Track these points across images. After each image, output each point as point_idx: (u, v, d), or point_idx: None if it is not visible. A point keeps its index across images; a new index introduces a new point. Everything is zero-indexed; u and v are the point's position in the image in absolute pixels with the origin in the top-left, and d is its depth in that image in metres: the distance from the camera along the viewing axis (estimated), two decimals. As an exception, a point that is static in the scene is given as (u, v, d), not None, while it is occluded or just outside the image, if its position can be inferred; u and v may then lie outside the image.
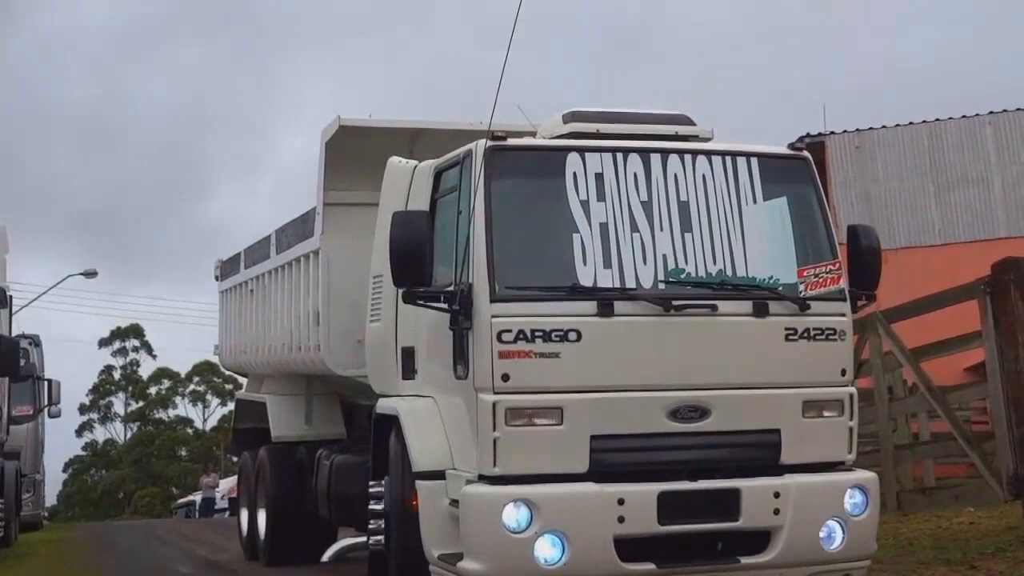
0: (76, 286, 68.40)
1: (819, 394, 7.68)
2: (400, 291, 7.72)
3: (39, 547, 19.19)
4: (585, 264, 7.40)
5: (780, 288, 7.69)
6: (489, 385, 7.21)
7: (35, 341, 23.78)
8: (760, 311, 7.56)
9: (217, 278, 15.18)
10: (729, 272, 7.64)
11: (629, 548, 7.16)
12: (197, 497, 39.61)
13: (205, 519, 32.88)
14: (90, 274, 39.66)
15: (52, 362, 25.91)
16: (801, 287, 7.66)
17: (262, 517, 12.43)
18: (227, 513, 31.40)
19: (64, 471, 69.50)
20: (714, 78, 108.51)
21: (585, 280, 7.38)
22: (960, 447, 11.70)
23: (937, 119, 23.18)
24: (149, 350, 74.64)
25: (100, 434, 74.00)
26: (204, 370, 72.22)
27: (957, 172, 22.57)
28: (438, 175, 8.25)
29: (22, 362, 17.89)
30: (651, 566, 7.20)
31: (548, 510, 7.09)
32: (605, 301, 7.34)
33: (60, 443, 55.15)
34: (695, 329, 7.49)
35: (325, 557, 10.33)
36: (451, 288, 7.47)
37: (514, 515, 7.05)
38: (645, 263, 7.50)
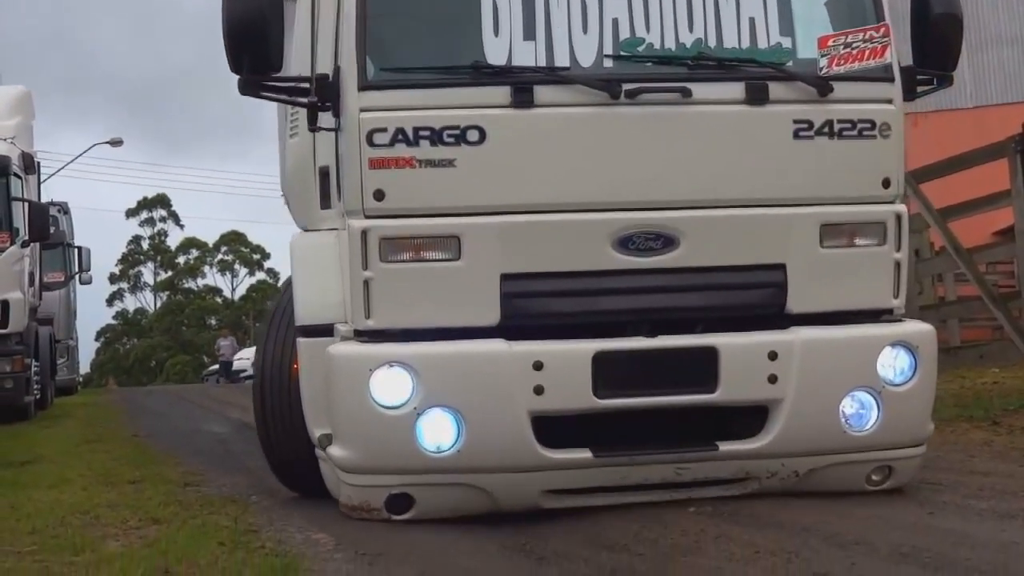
0: (103, 155, 68.43)
1: (846, 214, 5.65)
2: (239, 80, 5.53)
3: (74, 410, 19.58)
4: (497, 35, 5.43)
5: (789, 64, 5.63)
6: (358, 207, 5.38)
7: (64, 209, 23.93)
8: (756, 96, 5.50)
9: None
10: (712, 41, 5.55)
11: (555, 431, 5.41)
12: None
13: (236, 385, 33.41)
14: (116, 142, 39.69)
15: (80, 233, 26.15)
16: (822, 62, 5.51)
17: None
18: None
19: (96, 340, 70.64)
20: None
21: (496, 58, 5.40)
22: (985, 307, 11.72)
23: (972, -24, 22.67)
24: (176, 220, 75.09)
25: (130, 303, 75.08)
26: (232, 240, 72.73)
27: (991, 31, 22.10)
28: None
29: (52, 229, 18.02)
30: (585, 454, 5.42)
31: (432, 377, 5.29)
32: (522, 85, 5.36)
33: (91, 312, 56.04)
34: (658, 124, 5.45)
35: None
36: (310, 76, 5.59)
37: (387, 384, 5.30)
38: (586, 32, 5.46)
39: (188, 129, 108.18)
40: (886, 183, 5.66)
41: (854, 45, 5.49)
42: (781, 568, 4.40)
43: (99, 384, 53.95)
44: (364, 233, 5.36)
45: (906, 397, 5.68)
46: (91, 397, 26.96)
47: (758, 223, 5.59)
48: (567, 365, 5.37)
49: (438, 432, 5.34)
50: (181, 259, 74.75)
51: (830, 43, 5.51)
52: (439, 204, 5.39)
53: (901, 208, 5.78)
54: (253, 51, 5.41)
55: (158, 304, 74.61)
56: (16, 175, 15.94)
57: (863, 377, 5.61)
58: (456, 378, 5.33)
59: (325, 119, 5.68)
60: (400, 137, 5.32)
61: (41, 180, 19.43)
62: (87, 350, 58.68)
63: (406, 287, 5.40)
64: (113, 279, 73.35)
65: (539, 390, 5.31)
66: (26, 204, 16.05)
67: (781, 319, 5.64)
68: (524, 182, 5.42)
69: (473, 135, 5.33)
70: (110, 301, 73.58)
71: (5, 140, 16.18)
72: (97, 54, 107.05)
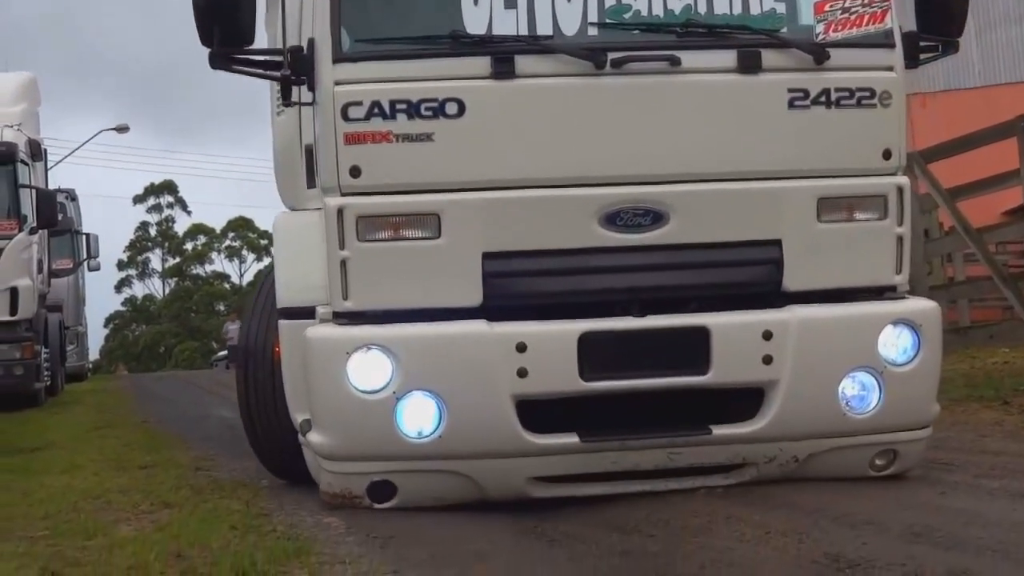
0: (109, 142, 68.45)
1: (845, 187, 5.38)
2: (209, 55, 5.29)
3: (85, 396, 19.66)
4: (476, 3, 5.19)
5: (783, 31, 5.36)
6: (334, 184, 5.19)
7: (71, 195, 24.00)
8: (748, 65, 5.24)
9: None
10: (702, 8, 5.31)
11: (541, 415, 5.20)
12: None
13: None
14: (122, 129, 39.77)
15: (88, 220, 26.19)
16: (819, 28, 5.29)
17: None
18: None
19: (105, 326, 70.77)
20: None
21: (475, 27, 5.17)
22: (995, 287, 11.68)
23: (981, -46, 22.55)
24: (184, 206, 75.10)
25: (139, 290, 75.14)
26: (239, 226, 72.81)
27: (999, 10, 22.00)
28: None
29: (59, 216, 18.06)
30: (572, 438, 5.20)
31: (412, 360, 5.09)
32: (502, 55, 5.12)
33: (100, 299, 56.11)
34: (645, 94, 5.21)
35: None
36: (282, 48, 5.32)
37: (365, 367, 5.11)
38: (570, 0, 5.22)
39: (195, 115, 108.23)
40: (887, 154, 5.40)
41: (852, 10, 5.24)
42: (792, 548, 4.39)
43: (109, 370, 54.10)
44: (340, 211, 5.17)
45: (909, 377, 5.40)
46: (101, 383, 27.04)
47: (751, 197, 5.33)
48: (551, 347, 5.15)
49: (419, 417, 5.15)
50: (189, 245, 74.83)
51: (827, 8, 5.27)
52: (417, 180, 5.17)
53: (903, 180, 5.49)
54: (223, 23, 5.18)
55: (166, 290, 74.76)
56: (23, 162, 15.97)
57: (863, 357, 5.35)
58: (436, 361, 5.12)
59: (302, 94, 5.47)
60: (376, 111, 5.09)
61: (48, 167, 19.44)
62: (96, 337, 58.71)
63: (385, 267, 5.19)
64: (121, 266, 73.45)
65: (522, 373, 5.11)
66: (33, 191, 16.08)
67: (777, 298, 5.38)
68: (506, 156, 5.19)
69: (452, 108, 5.11)
70: (118, 288, 73.70)
71: (11, 127, 16.19)
72: (103, 40, 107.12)
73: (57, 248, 20.17)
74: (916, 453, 5.67)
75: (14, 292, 15.39)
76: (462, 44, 5.15)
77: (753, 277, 5.40)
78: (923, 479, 5.83)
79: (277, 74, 5.35)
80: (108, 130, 39.66)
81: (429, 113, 5.09)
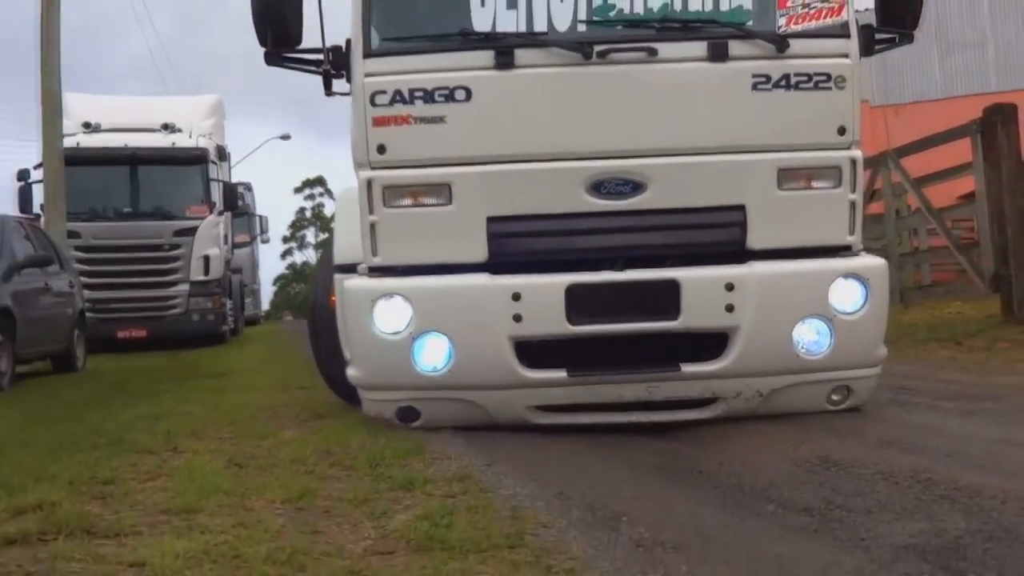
0: (276, 147, 69.28)
1: (803, 159, 4.96)
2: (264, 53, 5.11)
3: (258, 336, 20.04)
4: (483, 5, 4.90)
5: (749, 24, 4.97)
6: (365, 160, 4.93)
7: (248, 187, 24.31)
8: (717, 54, 4.87)
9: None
10: (677, 5, 4.93)
11: (537, 353, 4.92)
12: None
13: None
14: (285, 137, 40.16)
15: (261, 205, 26.55)
16: (781, 21, 4.92)
17: None
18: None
19: (272, 285, 71.84)
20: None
21: (481, 24, 4.90)
22: (951, 254, 11.42)
23: (942, -7, 21.88)
24: (331, 195, 75.47)
25: (298, 258, 76.06)
26: (372, 210, 73.22)
27: (957, 36, 21.36)
28: None
29: (240, 202, 18.34)
30: (561, 373, 4.91)
31: (425, 306, 4.87)
32: (504, 49, 4.83)
33: (270, 264, 56.98)
34: (626, 81, 4.88)
35: None
36: (322, 47, 5.06)
37: (388, 312, 4.90)
38: (562, 0, 4.91)
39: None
40: (841, 131, 4.94)
41: (812, 5, 4.89)
42: (791, 452, 4.34)
43: (276, 318, 54.92)
44: (369, 183, 4.92)
45: (858, 324, 4.96)
46: (270, 328, 27.53)
47: (719, 168, 4.92)
48: (542, 296, 4.84)
49: (432, 354, 4.90)
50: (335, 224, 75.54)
51: (789, 3, 4.90)
52: (432, 156, 4.90)
53: (856, 154, 5.01)
54: (275, 27, 4.97)
55: (318, 257, 75.66)
56: (213, 162, 16.23)
57: (815, 306, 4.92)
58: (446, 307, 4.86)
59: (340, 86, 5.18)
60: (398, 98, 4.84)
61: (231, 166, 19.74)
62: (267, 293, 59.58)
63: (406, 229, 4.93)
64: (285, 240, 74.27)
65: (518, 318, 4.82)
66: (220, 184, 16.36)
67: (743, 255, 4.97)
68: (507, 135, 4.89)
69: (460, 94, 4.82)
70: (283, 256, 74.74)
71: (204, 136, 16.45)
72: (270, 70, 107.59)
73: (238, 226, 20.47)
74: (867, 389, 5.20)
75: (207, 259, 15.68)
76: (470, 40, 4.87)
77: (721, 237, 5.00)
78: (892, 401, 5.72)
79: (317, 69, 5.10)
80: (274, 138, 40.09)
81: (442, 99, 4.84)
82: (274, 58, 5.06)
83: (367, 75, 4.89)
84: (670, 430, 5.00)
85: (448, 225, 4.89)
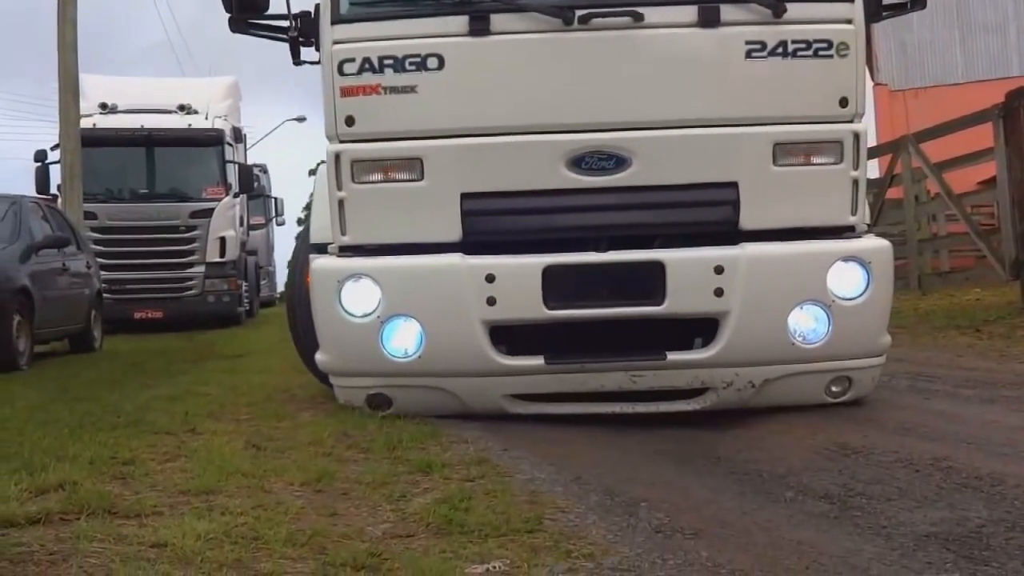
0: (291, 129, 69.29)
1: (800, 133, 4.55)
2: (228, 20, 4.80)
3: (273, 318, 19.96)
4: None
5: None
6: (333, 132, 4.61)
7: (264, 169, 24.33)
8: (708, 19, 4.45)
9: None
10: None
11: (513, 339, 4.62)
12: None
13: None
14: (300, 119, 40.07)
15: (276, 187, 26.57)
16: None
17: None
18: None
19: (288, 267, 71.96)
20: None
21: None
22: (971, 240, 11.36)
23: (964, -24, 21.64)
24: (345, 177, 75.82)
25: (312, 240, 76.32)
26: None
27: (979, 20, 21.14)
28: None
29: (255, 184, 18.37)
30: (538, 360, 4.59)
31: (394, 288, 4.56)
32: (478, 14, 4.46)
33: (285, 246, 56.93)
34: (609, 48, 4.48)
35: None
36: (288, 13, 4.79)
37: (355, 294, 4.61)
38: None
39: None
40: (843, 102, 4.53)
41: None
42: (809, 439, 4.33)
43: (291, 299, 55.12)
44: (337, 156, 4.62)
45: (858, 311, 4.57)
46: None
47: (709, 142, 4.53)
48: (518, 278, 4.51)
49: (402, 339, 4.61)
50: (349, 206, 75.51)
51: None
52: (403, 128, 4.57)
53: (859, 127, 4.59)
54: None
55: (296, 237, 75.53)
56: (228, 144, 16.25)
57: (812, 291, 4.53)
58: (415, 289, 4.56)
59: (309, 55, 4.93)
60: (367, 66, 4.50)
61: (247, 147, 19.76)
62: (282, 274, 59.80)
63: (376, 206, 4.61)
64: (300, 222, 74.15)
65: (491, 301, 4.50)
66: (236, 166, 16.38)
67: (735, 236, 4.58)
68: (482, 106, 4.53)
69: (433, 62, 4.47)
70: (298, 238, 75.00)
71: (220, 117, 16.47)
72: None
73: (253, 208, 20.51)
74: (869, 381, 4.82)
75: (223, 240, 15.74)
76: (443, 4, 4.55)
77: (711, 217, 4.61)
78: (911, 388, 5.69)
79: (285, 36, 4.83)
80: (290, 120, 40.03)
81: (413, 67, 4.49)
82: (240, 25, 4.78)
83: (335, 42, 4.56)
84: (686, 416, 4.99)
85: (420, 202, 4.57)
